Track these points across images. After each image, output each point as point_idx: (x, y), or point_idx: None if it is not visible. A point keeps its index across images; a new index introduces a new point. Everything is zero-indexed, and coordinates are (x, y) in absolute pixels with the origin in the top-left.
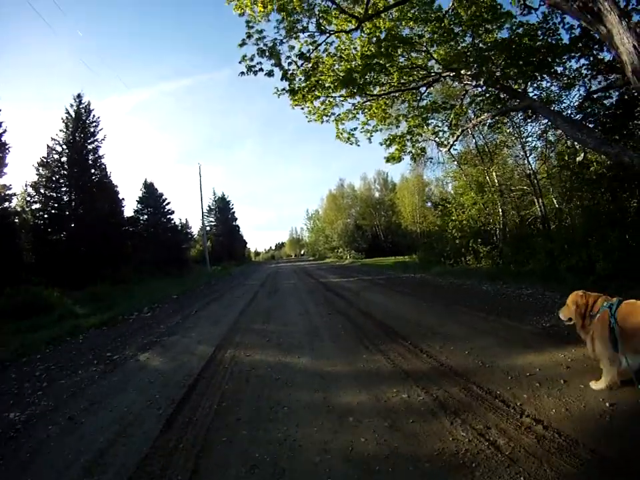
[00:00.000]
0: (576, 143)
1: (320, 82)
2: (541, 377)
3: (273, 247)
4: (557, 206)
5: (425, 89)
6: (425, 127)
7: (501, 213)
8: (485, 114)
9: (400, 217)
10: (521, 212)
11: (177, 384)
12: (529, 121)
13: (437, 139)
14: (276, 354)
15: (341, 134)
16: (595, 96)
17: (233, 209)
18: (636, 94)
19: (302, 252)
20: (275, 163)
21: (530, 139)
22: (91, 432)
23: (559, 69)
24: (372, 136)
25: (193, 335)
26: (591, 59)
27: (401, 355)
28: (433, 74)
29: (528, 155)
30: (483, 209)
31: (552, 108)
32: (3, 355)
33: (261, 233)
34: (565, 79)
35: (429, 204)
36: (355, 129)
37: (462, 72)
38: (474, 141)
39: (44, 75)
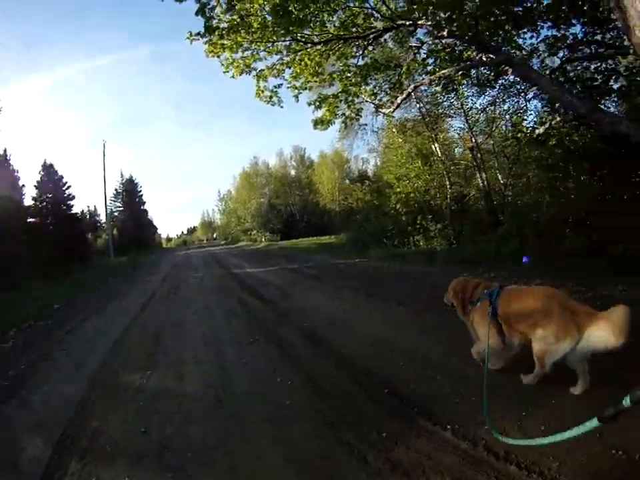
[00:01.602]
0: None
1: (245, 20)
2: None
3: (185, 232)
4: (501, 181)
5: (372, 40)
6: (364, 86)
7: (448, 186)
8: (446, 70)
9: (317, 195)
10: (467, 187)
11: None
12: (477, 89)
13: (376, 101)
14: None
15: (262, 92)
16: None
17: (141, 191)
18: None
19: (214, 236)
20: (190, 142)
21: (471, 112)
22: None
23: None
24: (300, 93)
25: (19, 410)
26: (561, 31)
27: None
28: (385, 24)
29: (471, 128)
30: (430, 180)
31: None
32: None
33: (173, 217)
34: (523, 51)
35: (347, 181)
36: (280, 85)
37: (420, 22)
38: (417, 106)
39: None
